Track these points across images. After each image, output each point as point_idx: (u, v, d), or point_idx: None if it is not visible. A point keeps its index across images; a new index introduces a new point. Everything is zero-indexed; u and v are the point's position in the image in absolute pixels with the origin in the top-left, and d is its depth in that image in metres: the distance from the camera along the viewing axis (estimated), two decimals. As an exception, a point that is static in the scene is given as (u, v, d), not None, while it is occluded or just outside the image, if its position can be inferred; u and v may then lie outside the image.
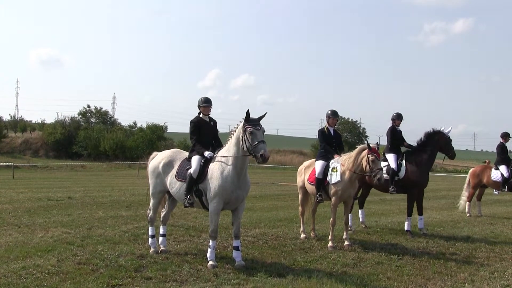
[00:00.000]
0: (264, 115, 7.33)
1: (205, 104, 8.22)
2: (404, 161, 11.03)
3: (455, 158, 11.59)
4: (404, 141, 11.45)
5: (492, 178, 14.42)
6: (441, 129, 11.07)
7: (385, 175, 10.50)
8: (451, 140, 11.18)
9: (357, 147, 9.41)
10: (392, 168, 10.90)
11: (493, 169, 14.56)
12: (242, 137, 7.23)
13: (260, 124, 7.23)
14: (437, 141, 11.00)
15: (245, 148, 7.21)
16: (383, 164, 10.59)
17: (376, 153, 8.97)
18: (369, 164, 8.88)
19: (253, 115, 7.32)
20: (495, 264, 8.12)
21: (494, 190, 15.09)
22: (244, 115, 7.30)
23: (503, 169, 14.15)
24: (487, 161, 15.86)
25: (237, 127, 7.53)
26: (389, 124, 11.54)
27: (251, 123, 7.19)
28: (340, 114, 10.55)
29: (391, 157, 11.10)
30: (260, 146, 7.00)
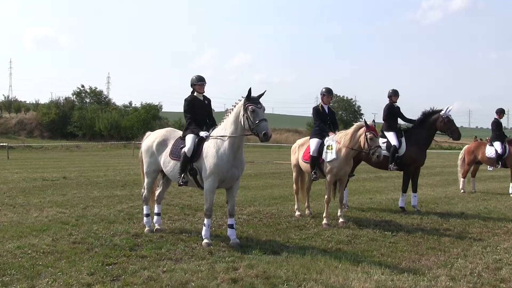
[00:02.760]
0: (263, 93, 7.27)
1: (200, 82, 8.14)
2: (403, 139, 11.00)
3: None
4: (404, 116, 11.40)
5: (486, 154, 14.45)
6: (446, 109, 10.93)
7: (384, 152, 10.48)
8: (451, 120, 10.92)
9: (354, 125, 9.38)
10: (394, 145, 10.84)
11: (487, 145, 14.58)
12: (243, 115, 7.15)
13: (260, 102, 7.18)
14: (434, 121, 10.97)
15: (246, 127, 7.15)
16: (381, 141, 10.56)
17: (374, 130, 8.94)
18: (367, 142, 8.84)
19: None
20: (488, 239, 8.19)
21: (488, 166, 15.12)
22: (243, 95, 7.24)
23: (497, 145, 14.16)
24: (488, 138, 15.68)
25: (235, 106, 7.46)
26: (385, 101, 11.50)
27: (252, 101, 7.12)
28: (335, 92, 10.50)
29: (391, 135, 11.05)
30: (263, 125, 6.96)
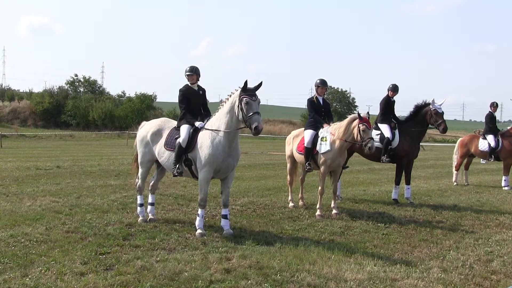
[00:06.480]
0: (259, 85, 7.24)
1: (189, 73, 8.12)
2: (397, 131, 11.04)
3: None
4: (394, 113, 11.42)
5: (479, 147, 14.51)
6: (432, 102, 10.96)
7: (378, 144, 10.51)
8: (439, 113, 10.89)
9: (347, 117, 9.41)
10: (387, 137, 10.88)
11: (480, 138, 14.64)
12: (238, 106, 7.14)
13: (256, 95, 7.14)
14: (425, 114, 10.99)
15: (240, 118, 7.13)
16: (375, 133, 10.59)
17: (367, 122, 8.97)
18: (360, 133, 8.89)
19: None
20: (480, 231, 8.25)
21: (481, 159, 15.19)
22: (239, 85, 7.22)
23: (490, 139, 14.22)
24: (477, 130, 15.72)
25: (230, 96, 7.44)
26: (381, 94, 11.54)
27: (248, 93, 7.09)
28: (329, 83, 10.49)
29: (384, 127, 11.08)
30: (255, 118, 6.92)
